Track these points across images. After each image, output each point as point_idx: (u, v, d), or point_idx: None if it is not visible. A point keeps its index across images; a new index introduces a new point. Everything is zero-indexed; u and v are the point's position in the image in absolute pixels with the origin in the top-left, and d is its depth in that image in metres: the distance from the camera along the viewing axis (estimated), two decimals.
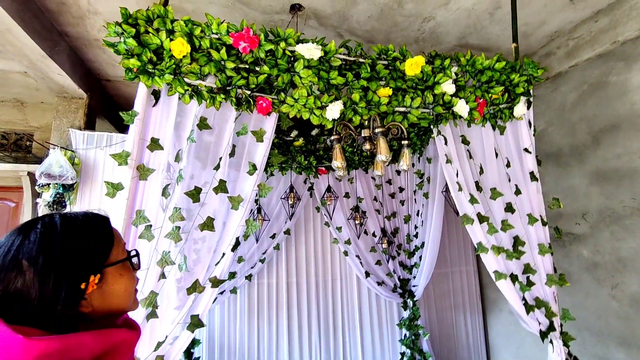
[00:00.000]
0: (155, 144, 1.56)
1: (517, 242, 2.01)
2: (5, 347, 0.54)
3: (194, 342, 3.10)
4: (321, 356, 3.54)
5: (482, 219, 1.98)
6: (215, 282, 1.51)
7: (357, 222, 3.54)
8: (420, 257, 3.51)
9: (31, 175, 3.95)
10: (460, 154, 2.05)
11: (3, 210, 4.36)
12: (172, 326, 1.43)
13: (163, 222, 1.50)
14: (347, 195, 3.64)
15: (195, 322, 1.46)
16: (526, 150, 2.16)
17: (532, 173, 2.12)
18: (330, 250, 3.75)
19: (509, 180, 2.10)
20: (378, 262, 3.59)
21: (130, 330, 0.71)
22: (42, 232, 0.64)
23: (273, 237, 3.46)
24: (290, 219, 3.48)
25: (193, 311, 1.48)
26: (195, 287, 1.46)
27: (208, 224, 1.52)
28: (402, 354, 3.46)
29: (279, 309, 3.53)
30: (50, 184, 3.15)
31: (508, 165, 2.11)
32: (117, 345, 0.65)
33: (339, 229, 3.55)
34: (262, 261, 3.41)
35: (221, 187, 1.58)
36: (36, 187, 3.31)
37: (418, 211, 3.60)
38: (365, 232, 3.62)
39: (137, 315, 1.39)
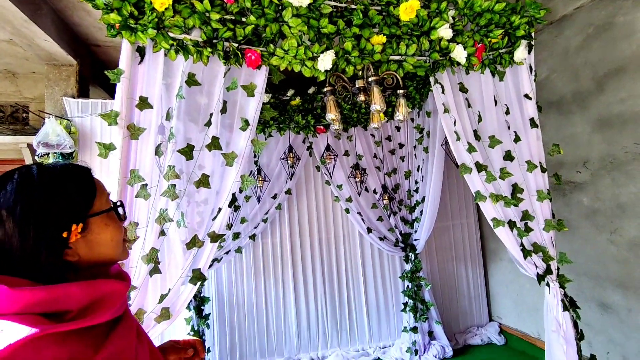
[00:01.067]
0: (144, 103, 1.53)
1: (515, 189, 2.01)
2: None
3: (204, 300, 3.22)
4: (327, 309, 3.69)
5: (480, 167, 1.97)
6: (214, 237, 1.54)
7: (357, 179, 3.55)
8: (421, 212, 3.54)
9: (30, 146, 3.95)
10: (458, 102, 2.01)
11: None
12: (175, 280, 1.48)
13: (158, 180, 1.50)
14: (346, 154, 3.62)
15: (197, 276, 1.50)
16: (526, 96, 2.10)
17: (532, 119, 2.08)
18: (332, 208, 3.79)
19: (508, 128, 2.06)
20: (380, 218, 3.63)
21: (118, 281, 0.71)
22: (18, 182, 0.63)
23: (274, 197, 3.49)
24: (291, 179, 3.49)
25: (194, 265, 1.52)
26: (194, 242, 1.49)
27: (203, 181, 1.52)
28: (405, 304, 3.59)
29: (284, 266, 3.64)
30: (49, 153, 3.16)
31: (507, 112, 2.07)
32: (106, 295, 0.66)
33: (340, 187, 3.56)
34: (264, 221, 3.46)
35: (214, 144, 1.57)
36: (36, 157, 3.31)
37: (418, 166, 3.59)
38: (366, 189, 3.63)
39: (141, 270, 1.43)
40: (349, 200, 3.55)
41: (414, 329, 3.48)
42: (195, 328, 3.09)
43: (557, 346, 1.90)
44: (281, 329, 3.59)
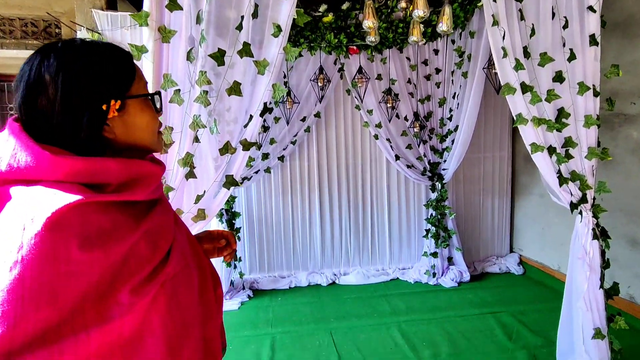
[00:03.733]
0: (174, 4, 1.47)
1: (561, 113, 1.88)
2: (34, 162, 0.57)
3: (235, 215, 3.41)
4: (350, 230, 3.83)
5: (525, 88, 1.83)
6: (246, 145, 1.56)
7: (388, 105, 3.43)
8: (453, 141, 3.44)
9: None
10: (510, 13, 1.81)
11: None
12: (210, 183, 1.55)
13: (191, 86, 1.50)
14: (379, 77, 3.45)
15: (230, 181, 1.56)
16: (590, 8, 1.86)
17: (592, 36, 1.86)
18: (360, 133, 3.74)
19: (564, 45, 1.87)
20: (409, 146, 3.57)
21: (154, 164, 0.74)
22: (62, 50, 0.63)
23: (303, 120, 3.46)
24: (320, 102, 3.42)
25: (228, 171, 1.57)
26: (227, 148, 1.52)
27: (235, 89, 1.50)
28: (427, 231, 3.67)
29: (311, 188, 3.73)
30: None
31: (565, 26, 1.85)
32: (142, 174, 0.68)
33: (370, 112, 3.47)
34: (293, 143, 3.48)
35: (245, 50, 1.51)
36: None
37: (455, 93, 3.41)
38: (397, 116, 3.52)
39: (177, 173, 1.50)
40: (379, 126, 3.48)
41: (434, 254, 3.60)
42: None
43: (580, 272, 1.91)
44: (306, 245, 3.79)
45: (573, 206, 1.92)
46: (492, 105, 3.86)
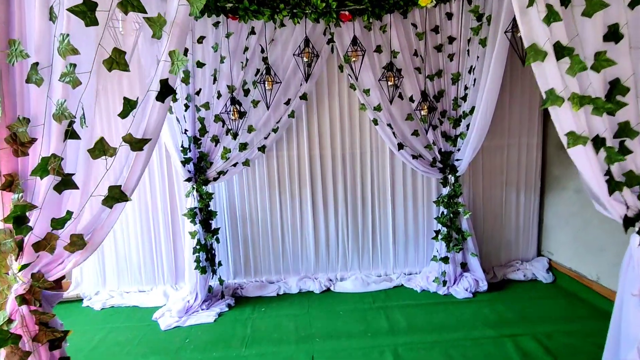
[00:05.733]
0: None
1: (616, 87, 1.29)
2: None
3: (211, 214, 2.98)
4: (348, 230, 3.35)
5: (561, 51, 1.25)
6: (135, 143, 1.08)
7: (390, 83, 2.86)
8: (468, 126, 2.84)
9: None
10: None
11: None
12: (85, 199, 1.09)
13: (52, 57, 1.02)
14: (378, 49, 2.87)
15: (114, 195, 1.09)
16: None
17: None
18: (358, 118, 3.18)
19: None
20: (415, 133, 2.99)
21: None
22: None
23: (288, 103, 2.94)
24: (307, 81, 2.88)
25: (112, 182, 1.11)
26: (102, 149, 1.05)
27: (118, 60, 1.02)
28: (437, 232, 3.12)
29: (302, 182, 3.24)
30: None
31: None
32: None
33: (367, 92, 2.91)
34: (275, 131, 2.97)
35: (131, 3, 1.02)
36: None
37: (471, 67, 2.79)
38: (401, 96, 2.95)
39: (41, 184, 1.05)
40: (378, 109, 2.92)
41: (445, 259, 3.06)
42: (202, 242, 2.91)
43: (635, 314, 1.36)
44: (298, 247, 3.34)
45: (628, 222, 1.35)
46: (518, 80, 3.21)
